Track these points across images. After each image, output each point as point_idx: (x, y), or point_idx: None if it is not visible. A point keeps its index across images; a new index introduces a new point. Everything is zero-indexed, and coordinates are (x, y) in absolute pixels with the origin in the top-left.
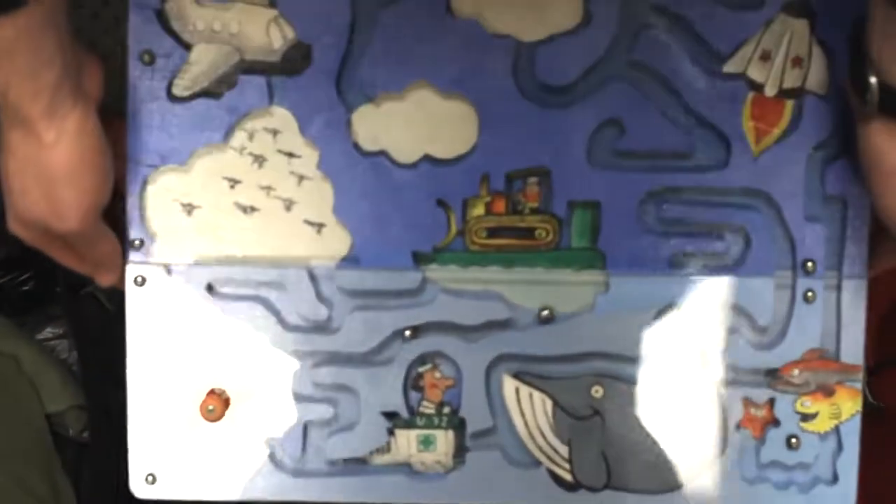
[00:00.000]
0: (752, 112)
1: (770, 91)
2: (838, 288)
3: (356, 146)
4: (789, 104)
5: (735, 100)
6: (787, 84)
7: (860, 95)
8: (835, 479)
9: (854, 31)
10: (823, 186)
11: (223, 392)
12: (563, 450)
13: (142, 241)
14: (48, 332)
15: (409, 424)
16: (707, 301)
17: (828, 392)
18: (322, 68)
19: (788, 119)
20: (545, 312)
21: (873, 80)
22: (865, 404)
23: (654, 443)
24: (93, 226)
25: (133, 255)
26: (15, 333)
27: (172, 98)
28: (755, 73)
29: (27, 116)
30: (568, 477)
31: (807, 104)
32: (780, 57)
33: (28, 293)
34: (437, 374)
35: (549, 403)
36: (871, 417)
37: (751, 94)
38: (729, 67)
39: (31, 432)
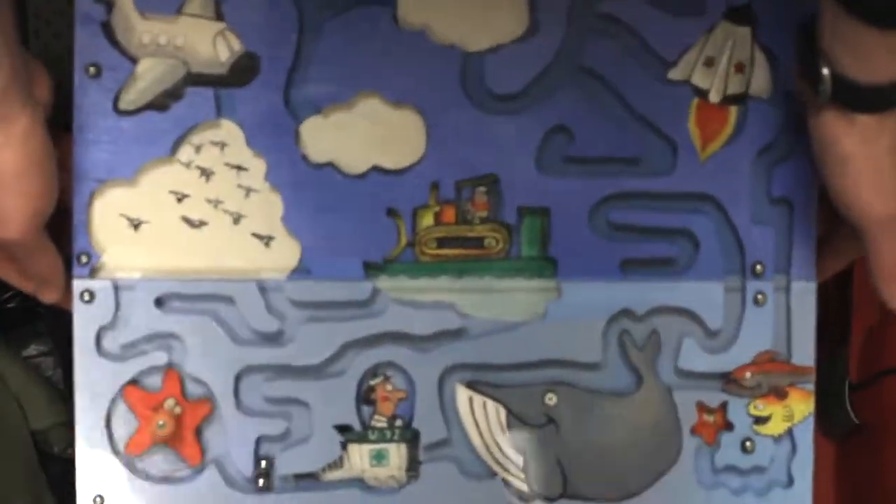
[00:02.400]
0: (697, 118)
1: (714, 97)
2: (787, 290)
3: (305, 158)
4: (733, 110)
5: (681, 106)
6: (731, 90)
7: (813, 86)
8: (790, 481)
9: (802, 27)
10: (769, 190)
11: (173, 408)
12: (519, 459)
13: (88, 257)
14: (33, 349)
15: (361, 439)
16: (658, 306)
17: (780, 394)
18: (269, 80)
19: (733, 125)
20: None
21: (826, 71)
22: (848, 422)
23: (610, 450)
24: (35, 235)
25: (79, 271)
26: (0, 349)
27: (119, 111)
28: (699, 80)
29: None
30: (524, 487)
31: (751, 109)
32: (724, 63)
33: (12, 310)
34: (389, 387)
35: (502, 412)
36: (855, 433)
37: (696, 101)
38: (674, 74)
39: (17, 449)
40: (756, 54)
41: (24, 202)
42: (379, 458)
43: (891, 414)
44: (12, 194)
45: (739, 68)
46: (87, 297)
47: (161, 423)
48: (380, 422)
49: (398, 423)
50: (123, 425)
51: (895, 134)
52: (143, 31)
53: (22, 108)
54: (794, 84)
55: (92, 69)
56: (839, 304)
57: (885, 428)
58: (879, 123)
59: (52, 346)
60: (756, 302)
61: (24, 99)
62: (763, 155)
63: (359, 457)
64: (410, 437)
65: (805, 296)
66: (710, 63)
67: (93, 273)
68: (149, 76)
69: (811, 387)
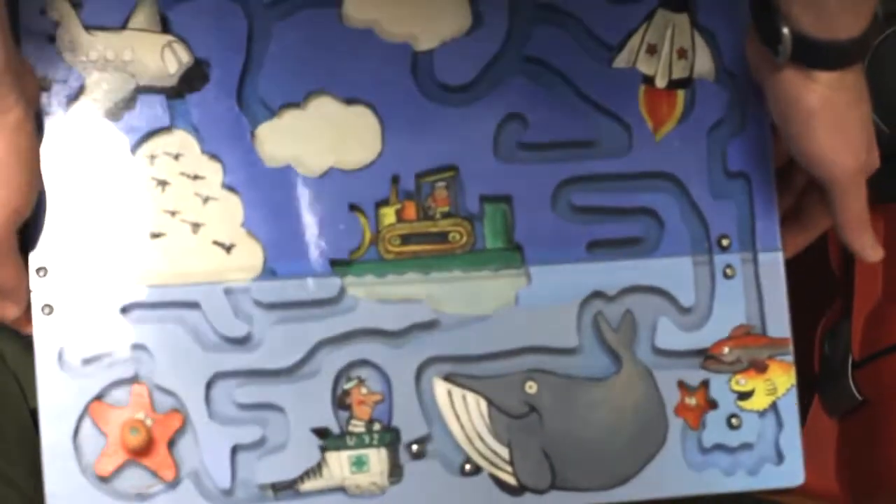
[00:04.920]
0: (646, 103)
1: (660, 83)
2: (755, 262)
3: (262, 160)
4: (680, 94)
5: (630, 89)
6: (676, 75)
7: (771, 48)
8: (780, 457)
9: None
10: (725, 165)
11: (143, 420)
12: (504, 452)
13: (46, 269)
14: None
15: (340, 445)
16: (629, 286)
17: (760, 368)
18: (221, 85)
19: (682, 107)
20: None
21: (786, 30)
22: (850, 399)
23: (595, 437)
24: (8, 236)
25: (38, 283)
26: None
27: (71, 124)
28: (644, 67)
29: None
30: (511, 480)
31: (698, 91)
32: (666, 50)
33: None
34: (364, 391)
35: (483, 404)
36: (856, 410)
37: (643, 87)
38: (619, 62)
39: (16, 428)
40: (696, 39)
41: (7, 194)
42: (359, 464)
43: (893, 391)
44: None
45: (682, 54)
46: (46, 310)
47: (133, 430)
48: (357, 427)
49: (376, 426)
50: (92, 444)
51: (854, 89)
52: (89, 46)
53: (16, 102)
54: (737, 61)
55: (42, 82)
56: (842, 281)
57: (887, 405)
58: (839, 80)
59: None
60: (725, 275)
61: (17, 92)
62: (715, 132)
63: (338, 464)
64: (390, 441)
65: (773, 266)
66: (652, 50)
67: (51, 286)
68: (97, 91)
69: (790, 358)
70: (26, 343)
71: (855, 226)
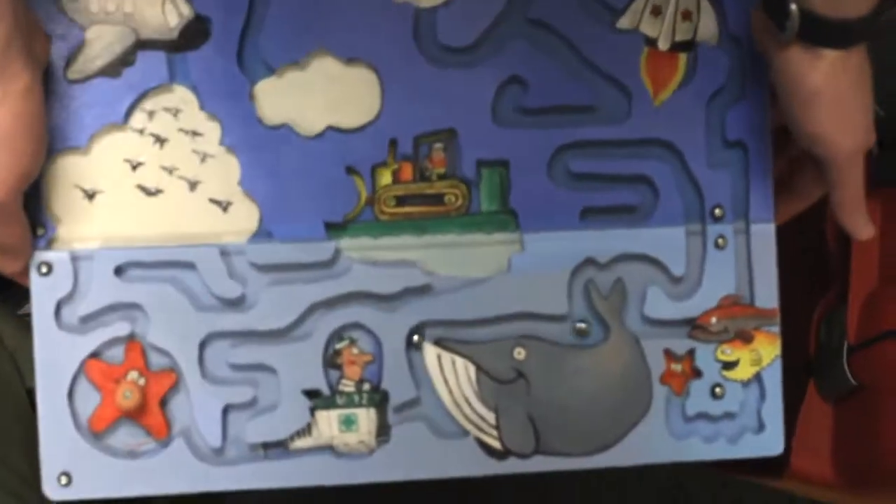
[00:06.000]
0: (647, 66)
1: (663, 45)
2: (747, 233)
3: (260, 119)
4: (683, 57)
5: (632, 53)
6: (679, 37)
7: (778, 24)
8: (761, 427)
9: None
10: (724, 133)
11: (138, 379)
12: (490, 417)
13: (44, 228)
14: (28, 307)
15: (329, 405)
16: (621, 254)
17: (746, 338)
18: (221, 42)
19: (683, 71)
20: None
21: (793, 6)
22: (846, 384)
23: (581, 403)
24: (16, 199)
25: (35, 243)
26: None
27: (69, 80)
28: (647, 29)
29: None
30: (497, 445)
31: (700, 55)
32: (670, 11)
33: None
34: (355, 351)
35: (472, 369)
36: (852, 395)
37: (646, 49)
38: (622, 23)
39: (13, 408)
40: (702, 1)
41: (13, 160)
42: (348, 423)
43: (889, 376)
44: (4, 152)
45: (686, 16)
46: (44, 269)
47: (127, 393)
48: (347, 386)
49: (366, 387)
50: (86, 400)
51: (859, 69)
52: None
53: (23, 67)
54: (741, 27)
55: None
56: (839, 264)
57: (882, 390)
58: (844, 59)
59: None
60: (717, 246)
61: (25, 57)
62: (715, 99)
63: (327, 423)
64: (379, 401)
65: (764, 237)
66: (656, 12)
67: (49, 244)
68: (98, 44)
69: (777, 329)
70: (22, 322)
71: (850, 205)
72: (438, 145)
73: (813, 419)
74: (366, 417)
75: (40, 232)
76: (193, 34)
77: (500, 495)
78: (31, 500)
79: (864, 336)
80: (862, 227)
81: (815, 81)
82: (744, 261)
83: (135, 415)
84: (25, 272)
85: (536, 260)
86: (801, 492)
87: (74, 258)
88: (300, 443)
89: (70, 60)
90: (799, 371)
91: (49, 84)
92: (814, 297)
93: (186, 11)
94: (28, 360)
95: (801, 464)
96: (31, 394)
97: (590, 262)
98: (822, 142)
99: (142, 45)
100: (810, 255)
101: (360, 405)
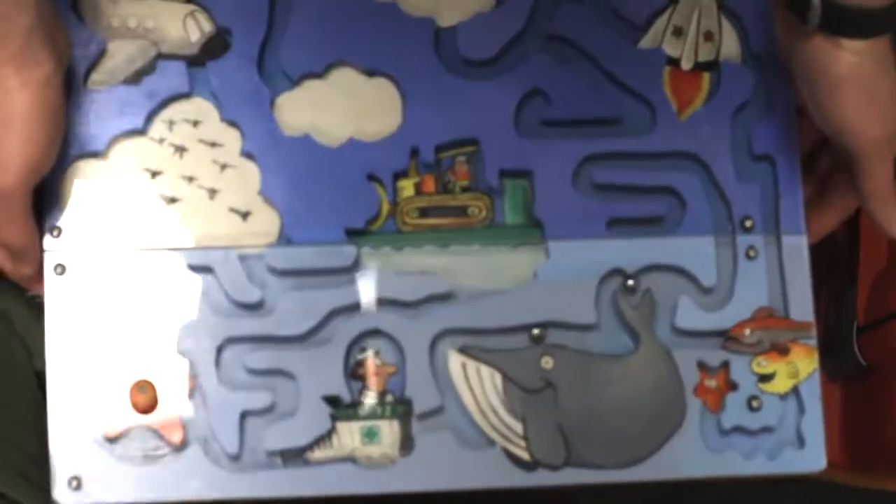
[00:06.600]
0: (671, 84)
1: (686, 65)
2: (778, 245)
3: (281, 129)
4: (706, 76)
5: (654, 69)
6: (702, 58)
7: (800, 14)
8: (801, 442)
9: None
10: (751, 147)
11: (152, 384)
12: (518, 426)
13: (60, 230)
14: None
15: (351, 416)
16: (649, 264)
17: (783, 351)
18: (243, 54)
19: (707, 90)
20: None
21: None
22: (855, 365)
23: (612, 414)
24: (25, 192)
25: (52, 244)
26: (6, 290)
27: (89, 87)
28: (670, 49)
29: None
30: (525, 455)
31: (724, 73)
32: (692, 32)
33: None
34: (378, 362)
35: (498, 378)
36: (860, 376)
37: (668, 69)
38: (644, 43)
39: (22, 390)
40: (723, 22)
41: (26, 148)
42: (370, 435)
43: None
44: (17, 140)
45: (708, 37)
46: (59, 270)
47: (141, 388)
48: (370, 397)
49: (389, 398)
50: (100, 404)
51: (882, 58)
52: (111, 14)
53: (47, 57)
54: (763, 44)
55: None
56: (848, 245)
57: (891, 371)
58: (868, 49)
59: None
60: (748, 256)
61: (49, 48)
62: (740, 114)
63: (349, 435)
64: (402, 413)
65: (796, 250)
66: (678, 33)
67: (65, 246)
68: (119, 56)
69: (814, 342)
70: (33, 307)
71: (880, 196)
72: (461, 158)
73: (822, 400)
74: (389, 430)
75: (56, 232)
76: (214, 47)
77: None
78: (39, 481)
79: (872, 317)
80: (894, 219)
81: (839, 71)
82: (776, 272)
83: (149, 412)
84: (36, 278)
85: (562, 269)
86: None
87: (90, 260)
88: (320, 453)
89: (91, 69)
90: None
91: (69, 90)
92: (822, 277)
93: (208, 27)
94: (38, 343)
95: None
96: (39, 376)
97: (617, 271)
98: (849, 131)
99: (162, 56)
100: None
101: (382, 417)
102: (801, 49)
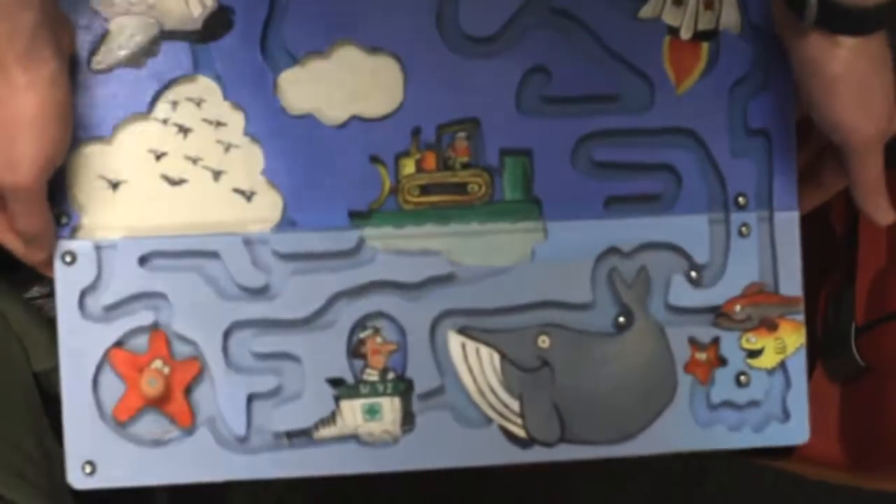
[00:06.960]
0: (670, 55)
1: (685, 34)
2: (771, 221)
3: (284, 109)
4: (705, 46)
5: (654, 42)
6: (702, 26)
7: (797, 11)
8: (786, 415)
9: None
10: (747, 122)
11: (162, 368)
12: (515, 405)
13: (68, 217)
14: (35, 290)
15: (353, 394)
16: (645, 242)
17: (771, 326)
18: (245, 32)
19: (706, 60)
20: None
21: None
22: (853, 365)
23: (605, 391)
24: (40, 187)
25: (59, 232)
26: (3, 290)
27: (93, 70)
28: (670, 18)
29: (1, 58)
30: (521, 433)
31: (723, 44)
32: (692, 1)
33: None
34: (379, 340)
35: (496, 357)
36: (859, 376)
37: (667, 38)
38: (645, 12)
39: (20, 390)
40: None
41: (39, 147)
42: (372, 412)
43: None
44: (28, 139)
45: (708, 5)
46: (68, 258)
47: (151, 381)
48: (371, 375)
49: (390, 375)
50: (110, 389)
51: (878, 56)
52: None
53: (52, 55)
54: (763, 16)
55: None
56: (846, 246)
57: (889, 371)
58: (863, 46)
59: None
60: (741, 234)
61: (54, 46)
62: (738, 88)
63: (351, 412)
64: (403, 390)
65: (788, 226)
66: (678, 1)
67: (73, 234)
68: (122, 35)
69: (801, 318)
70: (29, 305)
71: (870, 189)
72: (461, 134)
73: (820, 400)
74: (390, 406)
75: (64, 221)
76: (217, 24)
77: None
78: (36, 481)
79: (871, 317)
80: (882, 210)
81: (834, 68)
82: (767, 249)
83: (159, 403)
84: (49, 262)
85: (560, 248)
86: (809, 473)
87: (98, 247)
88: (324, 432)
89: (94, 51)
90: (807, 352)
91: (73, 74)
92: (820, 277)
93: (210, 2)
94: (35, 343)
95: (809, 445)
96: (37, 377)
97: (613, 250)
98: (842, 128)
99: (165, 35)
100: (815, 234)
101: (384, 394)
102: (797, 45)
